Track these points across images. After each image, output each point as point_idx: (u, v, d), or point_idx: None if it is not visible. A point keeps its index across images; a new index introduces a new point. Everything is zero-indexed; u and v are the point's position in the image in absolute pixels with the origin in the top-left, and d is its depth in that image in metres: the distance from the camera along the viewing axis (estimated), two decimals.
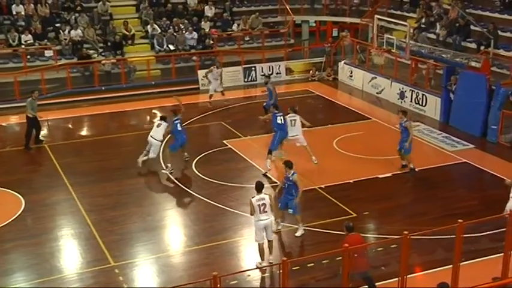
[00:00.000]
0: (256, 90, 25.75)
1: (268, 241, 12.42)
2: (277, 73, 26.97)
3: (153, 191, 16.12)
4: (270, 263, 12.33)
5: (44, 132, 20.46)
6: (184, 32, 27.60)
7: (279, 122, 16.84)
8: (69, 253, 13.19)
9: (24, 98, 23.16)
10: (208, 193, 15.71)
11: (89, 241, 13.52)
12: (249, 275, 11.86)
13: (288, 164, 13.34)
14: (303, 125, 17.29)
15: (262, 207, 12.11)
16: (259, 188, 12.30)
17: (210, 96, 23.06)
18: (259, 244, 12.32)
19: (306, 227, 13.83)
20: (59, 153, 18.52)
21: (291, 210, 13.48)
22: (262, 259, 12.38)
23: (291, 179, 13.24)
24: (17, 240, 13.58)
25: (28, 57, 25.23)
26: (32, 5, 26.74)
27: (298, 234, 13.66)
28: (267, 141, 17.33)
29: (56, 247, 13.36)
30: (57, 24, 26.62)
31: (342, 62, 26.60)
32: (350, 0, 30.18)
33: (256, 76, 26.53)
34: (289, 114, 17.05)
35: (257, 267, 12.27)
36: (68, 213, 14.86)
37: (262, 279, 12.08)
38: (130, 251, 13.22)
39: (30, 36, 25.54)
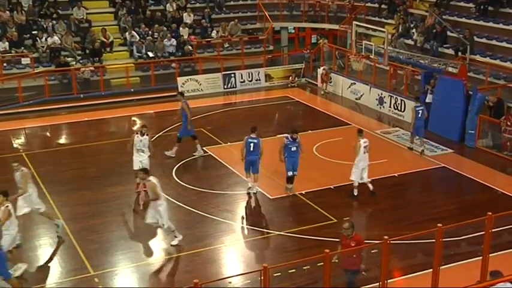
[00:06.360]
0: (236, 96, 25.81)
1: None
2: (256, 80, 27.01)
3: (132, 199, 15.96)
4: None
5: (21, 140, 20.19)
6: (163, 39, 27.53)
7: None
8: (48, 262, 13.01)
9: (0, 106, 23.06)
10: (188, 200, 15.64)
11: (67, 250, 13.38)
12: (230, 282, 11.81)
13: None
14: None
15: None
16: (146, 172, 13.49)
17: None
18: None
19: (287, 233, 13.86)
20: (36, 161, 18.30)
21: None
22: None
23: None
24: None
25: (4, 64, 24.98)
26: (8, 12, 26.48)
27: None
28: None
29: (35, 257, 13.18)
30: (34, 32, 26.38)
31: (321, 68, 26.71)
32: (328, 7, 30.38)
33: (235, 83, 26.55)
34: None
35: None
36: (46, 222, 14.65)
37: (244, 286, 12.05)
38: (110, 259, 13.10)
39: (6, 43, 25.29)
